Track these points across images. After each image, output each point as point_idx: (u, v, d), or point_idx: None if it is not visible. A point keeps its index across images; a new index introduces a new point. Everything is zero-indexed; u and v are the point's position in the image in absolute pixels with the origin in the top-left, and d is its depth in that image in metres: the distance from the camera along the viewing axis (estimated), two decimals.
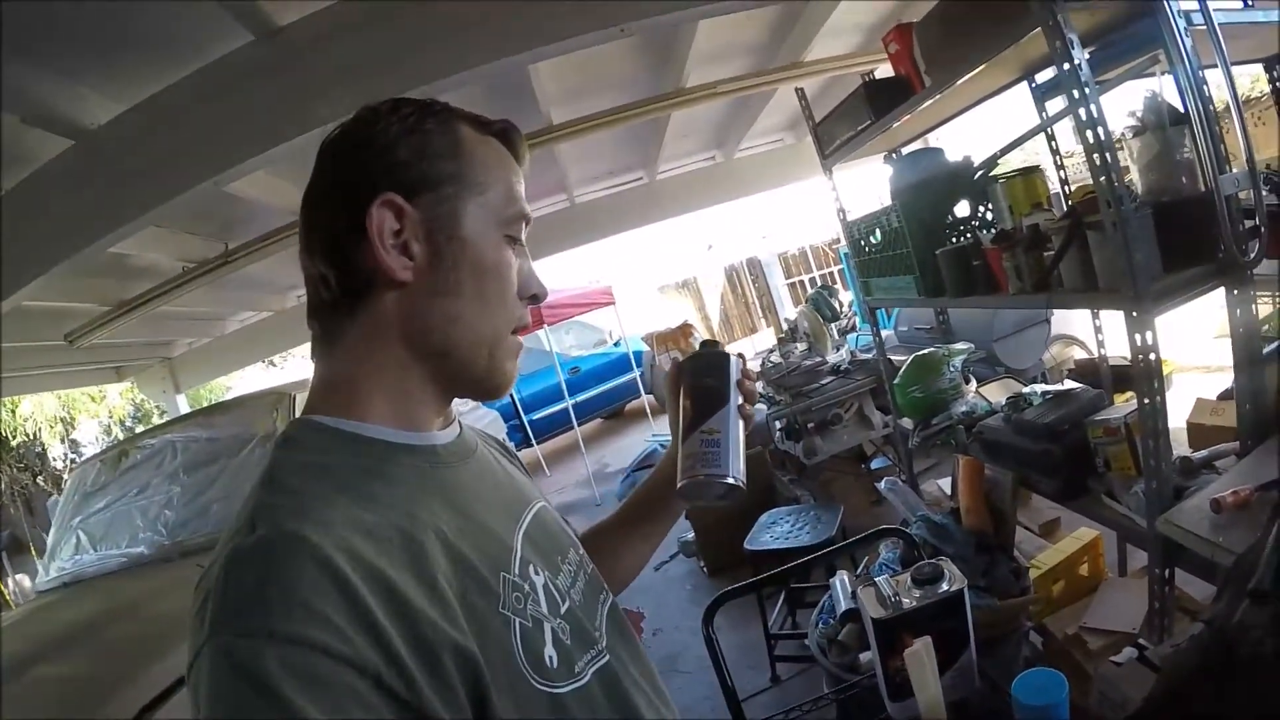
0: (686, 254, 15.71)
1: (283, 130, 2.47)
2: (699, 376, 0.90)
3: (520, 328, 0.81)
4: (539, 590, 0.74)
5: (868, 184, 4.89)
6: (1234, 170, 1.62)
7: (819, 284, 8.76)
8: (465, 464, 0.80)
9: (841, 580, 2.27)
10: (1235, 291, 1.64)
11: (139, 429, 8.50)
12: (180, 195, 2.58)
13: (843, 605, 2.16)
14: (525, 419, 8.91)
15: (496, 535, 0.75)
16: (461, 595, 0.64)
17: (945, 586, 1.49)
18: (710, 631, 1.84)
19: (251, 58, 2.37)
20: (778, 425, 4.95)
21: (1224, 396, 2.45)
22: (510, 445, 1.07)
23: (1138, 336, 1.61)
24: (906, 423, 3.22)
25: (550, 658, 0.70)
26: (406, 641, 0.57)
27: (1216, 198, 1.59)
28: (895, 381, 3.21)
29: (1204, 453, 1.77)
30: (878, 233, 3.00)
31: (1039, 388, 2.36)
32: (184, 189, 2.56)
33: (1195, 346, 4.69)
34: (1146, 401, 1.62)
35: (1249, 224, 1.63)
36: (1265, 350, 1.67)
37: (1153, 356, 1.60)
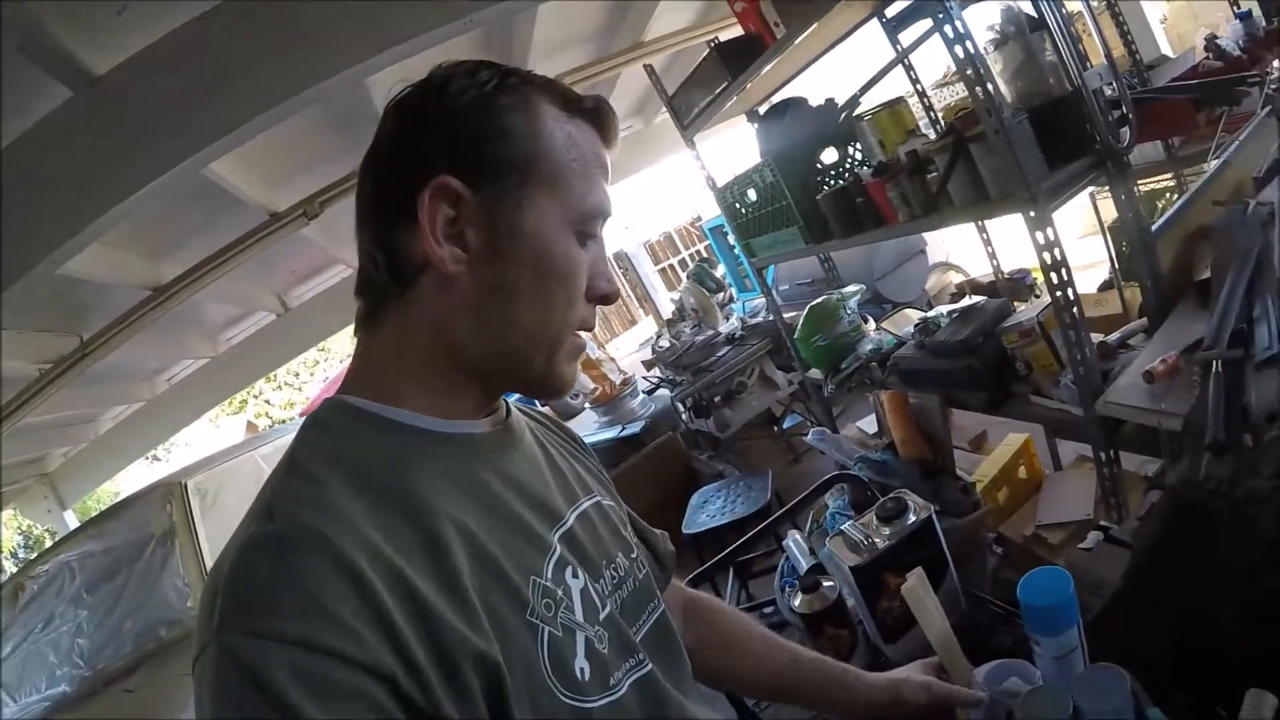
0: None
1: (106, 196, 2.20)
2: None
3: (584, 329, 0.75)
4: (574, 595, 0.68)
5: (731, 152, 4.93)
6: (1094, 67, 1.70)
7: (694, 260, 8.85)
8: (506, 455, 0.74)
9: (795, 540, 2.24)
10: (1117, 178, 1.72)
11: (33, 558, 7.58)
12: (12, 286, 2.26)
13: (803, 565, 2.14)
14: None
15: (532, 533, 0.69)
16: (484, 598, 0.60)
17: (913, 517, 1.49)
18: None
19: (69, 115, 2.09)
20: (683, 406, 4.94)
21: (1103, 288, 2.60)
22: (577, 434, 0.98)
23: (1039, 234, 1.65)
24: (816, 374, 3.25)
25: (581, 670, 0.65)
26: (426, 647, 0.54)
27: (1084, 94, 1.65)
28: (795, 336, 3.23)
29: (1116, 335, 1.85)
30: (752, 192, 3.00)
31: (943, 308, 2.42)
32: (15, 279, 2.24)
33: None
34: (1059, 295, 1.67)
35: (1117, 114, 1.72)
36: (1154, 228, 1.76)
37: (1057, 252, 1.65)
